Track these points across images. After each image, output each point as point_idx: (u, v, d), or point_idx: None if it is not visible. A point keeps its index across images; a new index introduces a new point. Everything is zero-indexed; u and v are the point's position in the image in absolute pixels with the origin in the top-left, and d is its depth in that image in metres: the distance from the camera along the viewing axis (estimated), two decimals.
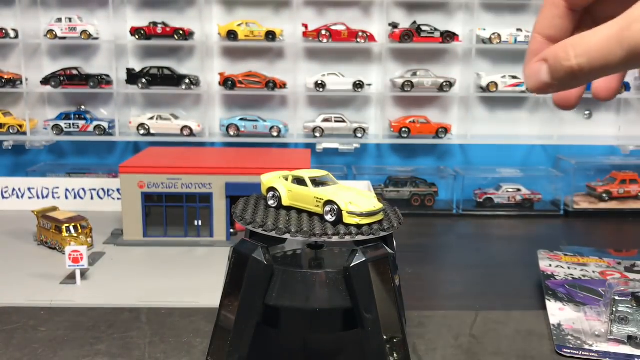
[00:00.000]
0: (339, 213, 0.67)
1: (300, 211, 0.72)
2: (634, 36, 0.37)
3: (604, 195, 1.66)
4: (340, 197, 0.68)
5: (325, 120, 1.69)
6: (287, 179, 0.73)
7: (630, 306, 0.84)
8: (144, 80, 1.67)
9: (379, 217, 0.69)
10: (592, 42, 0.39)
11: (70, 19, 1.65)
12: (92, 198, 1.54)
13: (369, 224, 0.67)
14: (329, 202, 0.68)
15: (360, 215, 0.66)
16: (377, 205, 0.69)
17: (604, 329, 0.87)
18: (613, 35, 0.38)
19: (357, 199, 0.68)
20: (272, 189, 0.73)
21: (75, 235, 1.21)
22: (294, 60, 1.70)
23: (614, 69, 0.39)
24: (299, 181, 0.72)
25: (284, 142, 1.70)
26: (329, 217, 0.68)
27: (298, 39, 1.67)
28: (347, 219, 0.66)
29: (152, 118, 1.68)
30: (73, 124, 1.67)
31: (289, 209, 0.73)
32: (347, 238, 0.65)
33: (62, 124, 1.68)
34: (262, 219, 0.69)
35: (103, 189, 1.54)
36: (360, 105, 1.77)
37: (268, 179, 0.75)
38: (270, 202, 0.73)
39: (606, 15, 0.46)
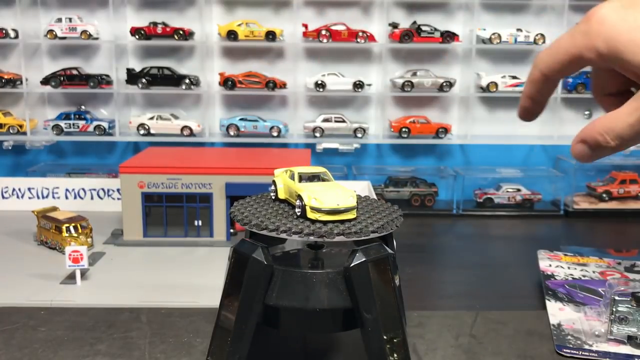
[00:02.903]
0: (303, 208, 0.67)
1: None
2: None
3: (604, 195, 1.66)
4: (308, 193, 0.68)
5: (325, 120, 1.69)
6: (286, 173, 0.75)
7: (630, 306, 0.84)
8: (144, 80, 1.67)
9: (349, 215, 0.67)
10: (619, 126, 0.54)
11: (70, 19, 1.65)
12: (92, 198, 1.54)
13: (335, 222, 0.66)
14: (299, 197, 0.68)
15: (322, 211, 0.66)
16: (345, 204, 0.67)
17: (604, 329, 0.87)
18: (635, 121, 0.53)
19: (326, 196, 0.67)
20: (274, 182, 0.75)
21: (75, 235, 1.21)
22: (294, 60, 1.70)
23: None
24: (293, 176, 0.73)
25: (284, 142, 1.70)
26: (297, 211, 0.69)
27: (298, 39, 1.67)
28: (310, 214, 0.66)
29: (152, 118, 1.68)
30: (73, 124, 1.68)
31: (289, 207, 0.73)
32: (340, 238, 0.65)
33: (62, 124, 1.68)
34: (260, 219, 0.69)
35: (103, 189, 1.54)
36: (360, 105, 1.77)
37: (277, 173, 0.77)
38: (272, 195, 0.77)
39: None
